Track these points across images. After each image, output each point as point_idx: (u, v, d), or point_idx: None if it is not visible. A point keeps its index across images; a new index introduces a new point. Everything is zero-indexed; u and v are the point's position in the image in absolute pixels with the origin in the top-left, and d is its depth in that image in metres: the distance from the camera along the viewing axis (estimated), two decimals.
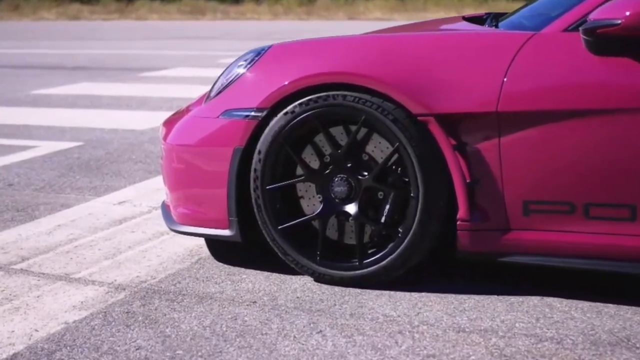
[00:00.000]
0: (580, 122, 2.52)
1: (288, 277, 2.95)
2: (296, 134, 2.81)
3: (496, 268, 2.88)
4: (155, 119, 6.47)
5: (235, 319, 2.59)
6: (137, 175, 4.75)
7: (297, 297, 2.76)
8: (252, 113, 2.85)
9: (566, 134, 2.54)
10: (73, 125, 6.62)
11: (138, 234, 3.55)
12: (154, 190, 4.35)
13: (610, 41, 2.47)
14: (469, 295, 2.73)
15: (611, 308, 2.60)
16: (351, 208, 2.82)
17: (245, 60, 3.01)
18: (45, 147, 5.63)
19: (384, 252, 2.78)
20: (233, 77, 2.99)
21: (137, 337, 2.47)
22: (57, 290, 2.88)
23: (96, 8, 29.41)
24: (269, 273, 3.00)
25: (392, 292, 2.77)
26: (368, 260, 2.80)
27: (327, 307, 2.67)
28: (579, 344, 2.36)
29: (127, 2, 29.35)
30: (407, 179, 2.73)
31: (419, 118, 2.65)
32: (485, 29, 3.12)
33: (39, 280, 3.00)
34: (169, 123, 3.21)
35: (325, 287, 2.84)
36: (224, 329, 2.51)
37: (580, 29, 2.53)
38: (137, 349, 2.39)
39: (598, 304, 2.64)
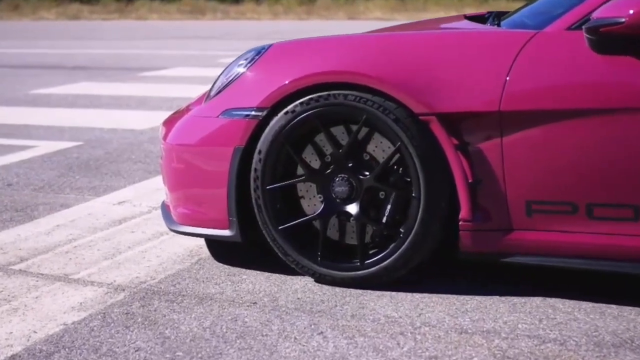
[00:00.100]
0: (583, 121, 2.50)
1: (289, 277, 2.93)
2: (297, 133, 2.79)
3: (498, 268, 2.86)
4: (155, 119, 6.45)
5: (236, 320, 2.57)
6: (137, 175, 4.74)
7: (298, 298, 2.74)
8: (253, 112, 2.83)
9: (569, 133, 2.52)
10: (72, 125, 6.60)
11: (137, 234, 3.53)
12: (154, 190, 4.33)
13: (613, 40, 2.45)
14: (471, 296, 2.71)
15: (614, 309, 2.58)
16: (352, 208, 2.80)
17: (246, 59, 2.99)
18: (44, 147, 5.61)
19: (385, 252, 2.76)
20: (233, 76, 2.97)
21: (136, 338, 2.45)
22: (55, 291, 2.86)
23: (96, 8, 29.39)
24: (269, 274, 2.98)
25: (393, 293, 2.76)
26: (369, 260, 2.78)
27: (328, 308, 2.66)
28: (583, 345, 2.34)
29: (127, 2, 29.33)
30: (408, 179, 2.71)
31: (420, 117, 2.64)
32: (487, 27, 3.10)
33: (37, 281, 2.98)
34: (168, 123, 3.20)
35: (326, 288, 2.83)
36: (224, 330, 2.50)
37: (583, 27, 2.51)
38: (136, 351, 2.37)
39: (601, 304, 2.62)
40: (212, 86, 3.10)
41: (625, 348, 2.31)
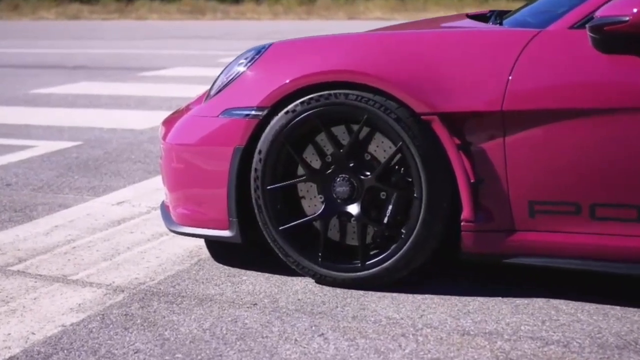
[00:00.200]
0: (586, 121, 2.48)
1: (289, 278, 2.91)
2: (297, 133, 2.77)
3: (501, 269, 2.84)
4: (155, 119, 6.43)
5: (236, 322, 2.55)
6: (136, 175, 4.71)
7: (299, 300, 2.72)
8: (253, 112, 2.81)
9: (572, 133, 2.50)
10: (72, 124, 6.58)
11: (137, 235, 3.51)
12: (153, 190, 4.31)
13: (617, 39, 2.43)
14: (473, 297, 2.69)
15: (618, 310, 2.56)
16: (353, 208, 2.78)
17: (246, 59, 2.97)
18: (43, 147, 5.59)
19: (386, 253, 2.74)
20: (233, 75, 2.95)
21: (135, 340, 2.43)
22: (54, 292, 2.84)
23: (96, 8, 29.38)
24: (269, 275, 2.96)
25: (395, 294, 2.73)
26: (370, 261, 2.76)
27: (328, 309, 2.63)
28: (586, 347, 2.32)
29: (126, 2, 29.32)
30: (410, 179, 2.69)
31: (422, 117, 2.61)
32: (489, 26, 3.08)
33: (36, 282, 2.95)
34: (168, 122, 3.17)
35: (327, 289, 2.80)
36: (224, 332, 2.47)
37: (587, 26, 2.48)
38: (135, 353, 2.34)
39: (605, 306, 2.60)
40: (212, 85, 3.08)
41: (629, 350, 2.29)
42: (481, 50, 2.63)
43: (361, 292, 2.76)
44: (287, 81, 2.75)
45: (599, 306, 2.60)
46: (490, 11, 3.71)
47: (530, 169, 2.56)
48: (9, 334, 2.50)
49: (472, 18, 3.46)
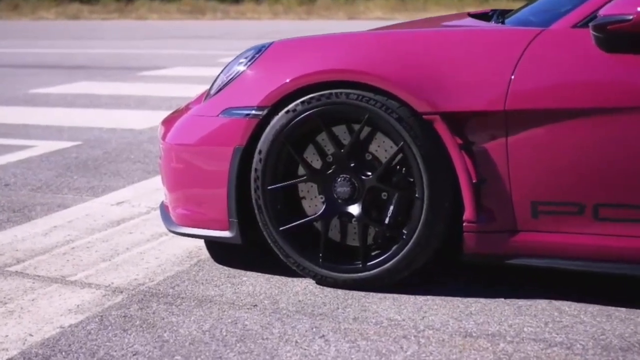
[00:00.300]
0: (589, 120, 2.46)
1: (289, 279, 2.89)
2: (298, 133, 2.75)
3: (503, 270, 2.82)
4: (154, 119, 6.41)
5: (236, 323, 2.53)
6: (136, 175, 4.69)
7: (299, 301, 2.70)
8: (253, 111, 2.79)
9: (575, 132, 2.47)
10: (71, 124, 6.56)
11: (136, 235, 3.49)
12: (153, 190, 4.29)
13: (621, 38, 2.41)
14: (475, 299, 2.67)
15: (622, 312, 2.54)
16: (354, 209, 2.76)
17: (246, 58, 2.95)
18: (42, 147, 5.57)
19: (388, 254, 2.72)
20: (233, 74, 2.93)
21: (134, 341, 2.41)
22: (52, 294, 2.82)
23: (96, 7, 29.39)
24: (270, 275, 2.94)
25: (396, 295, 2.71)
26: (372, 262, 2.74)
27: (329, 310, 2.61)
28: (590, 349, 2.29)
29: (126, 2, 29.33)
30: (411, 179, 2.67)
31: (424, 116, 2.59)
32: (492, 25, 3.06)
33: (34, 282, 2.93)
34: (167, 122, 3.15)
35: (327, 290, 2.78)
36: (224, 334, 2.45)
37: (590, 25, 2.46)
38: (134, 354, 2.32)
39: (608, 307, 2.58)
40: (212, 85, 3.06)
41: (633, 352, 2.27)
42: (483, 49, 2.61)
43: (362, 293, 2.74)
44: (288, 80, 2.73)
45: (603, 308, 2.57)
46: (492, 10, 3.69)
47: (533, 169, 2.54)
48: (7, 335, 2.48)
49: (474, 17, 3.45)
